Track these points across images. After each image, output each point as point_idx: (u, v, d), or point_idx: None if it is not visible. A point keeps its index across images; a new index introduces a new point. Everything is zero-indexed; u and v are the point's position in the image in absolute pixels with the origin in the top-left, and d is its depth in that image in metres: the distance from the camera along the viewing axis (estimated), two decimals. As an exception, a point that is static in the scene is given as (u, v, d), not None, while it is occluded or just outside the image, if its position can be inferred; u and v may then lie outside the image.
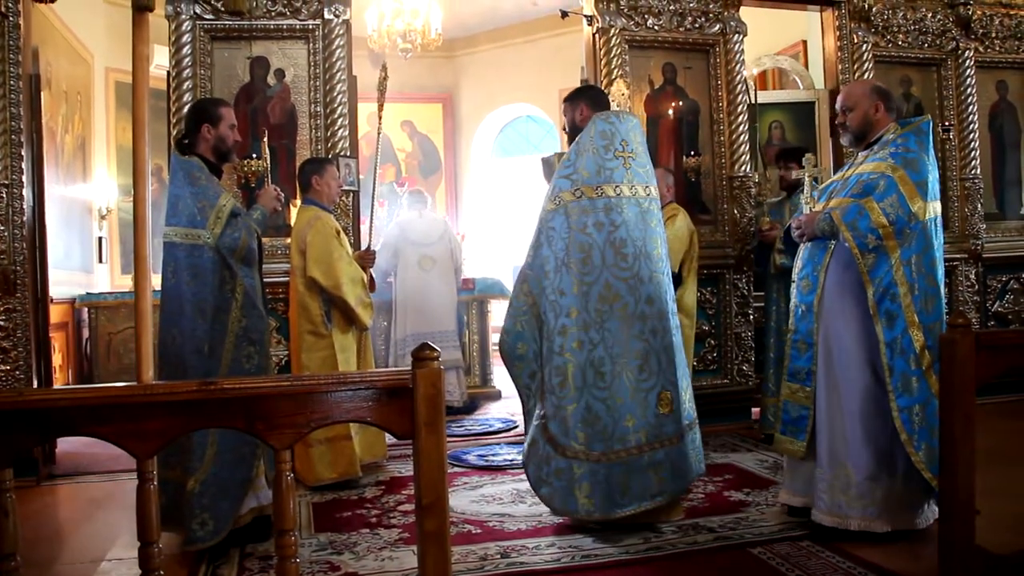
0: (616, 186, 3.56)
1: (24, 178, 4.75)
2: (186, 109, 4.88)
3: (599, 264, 3.49)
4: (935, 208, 3.34)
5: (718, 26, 5.87)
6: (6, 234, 4.67)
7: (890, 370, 3.23)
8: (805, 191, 3.71)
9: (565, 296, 3.50)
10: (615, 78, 5.57)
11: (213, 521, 3.36)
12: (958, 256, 6.38)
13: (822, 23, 6.40)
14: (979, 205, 6.49)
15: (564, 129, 3.98)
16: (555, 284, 3.52)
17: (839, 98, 3.61)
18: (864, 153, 3.51)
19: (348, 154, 5.18)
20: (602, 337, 3.46)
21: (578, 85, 6.07)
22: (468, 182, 11.96)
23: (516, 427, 5.98)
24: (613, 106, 5.35)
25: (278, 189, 3.96)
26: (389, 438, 4.86)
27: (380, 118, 4.77)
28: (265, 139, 4.37)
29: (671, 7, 5.79)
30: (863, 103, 3.49)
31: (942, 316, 3.31)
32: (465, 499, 4.15)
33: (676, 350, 3.60)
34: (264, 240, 4.38)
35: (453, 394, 6.68)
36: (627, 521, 3.50)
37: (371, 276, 4.74)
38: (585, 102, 3.81)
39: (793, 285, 3.62)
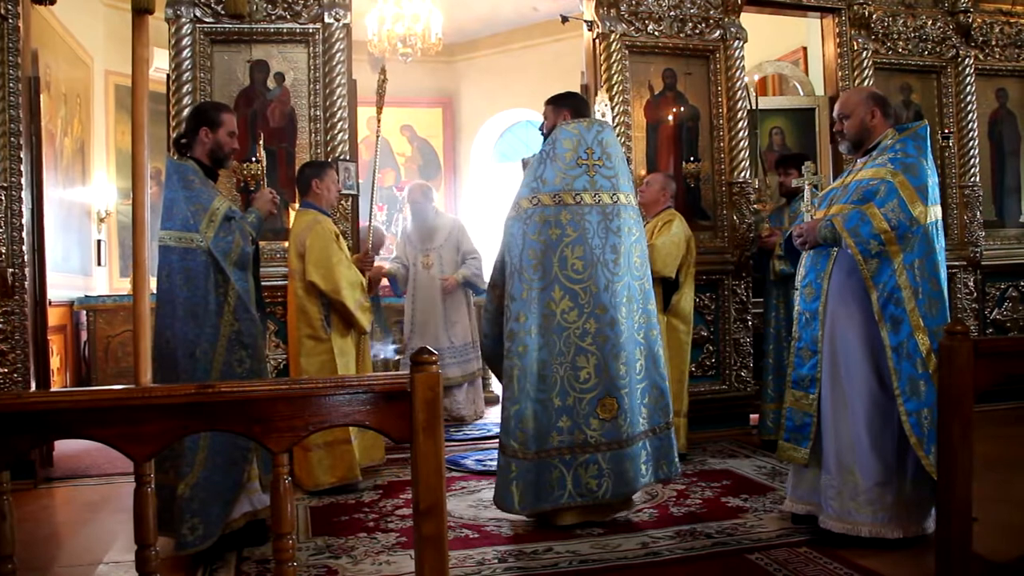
0: (576, 194, 3.65)
1: (23, 180, 4.75)
2: (186, 112, 4.90)
3: (551, 271, 3.60)
4: (936, 212, 3.36)
5: (718, 32, 5.87)
6: (5, 236, 4.67)
7: (897, 374, 3.23)
8: (805, 198, 3.72)
9: (515, 302, 3.63)
10: (614, 83, 5.58)
11: (203, 526, 3.34)
12: (957, 263, 6.37)
13: (822, 30, 6.40)
14: (978, 213, 6.49)
15: (541, 131, 4.05)
16: (508, 290, 3.67)
17: (836, 106, 3.64)
18: (863, 160, 3.53)
19: (347, 158, 5.18)
20: (546, 342, 3.59)
21: (577, 91, 6.09)
22: (468, 187, 11.96)
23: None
24: (596, 113, 5.40)
25: (274, 192, 3.96)
26: (388, 442, 4.85)
27: (379, 121, 4.77)
28: (261, 142, 4.38)
29: (672, 13, 5.80)
30: (859, 110, 3.51)
31: (947, 319, 3.31)
32: (463, 503, 4.15)
33: (632, 359, 3.65)
34: (263, 244, 4.39)
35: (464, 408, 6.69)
36: (560, 518, 3.66)
37: (370, 280, 4.74)
38: (569, 110, 3.89)
39: (796, 292, 3.63)
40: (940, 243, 3.40)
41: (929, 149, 3.44)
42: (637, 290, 3.75)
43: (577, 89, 6.09)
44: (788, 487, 3.67)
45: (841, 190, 3.52)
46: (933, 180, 3.37)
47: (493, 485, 4.45)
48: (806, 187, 3.78)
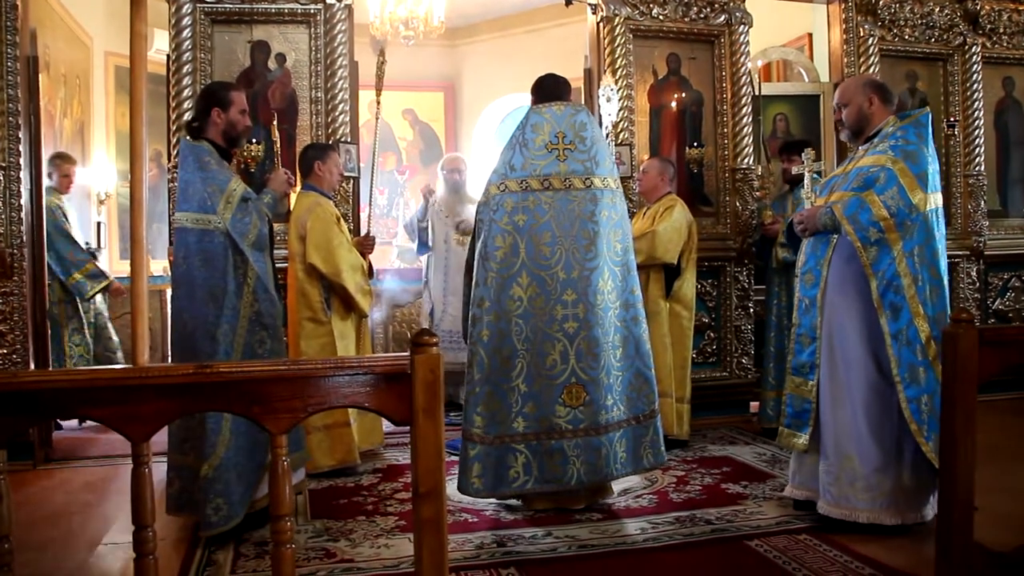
0: (544, 179, 3.62)
1: (22, 161, 4.72)
2: (186, 94, 4.87)
3: (518, 256, 3.57)
4: (936, 199, 3.35)
5: (723, 17, 5.82)
6: (3, 217, 4.64)
7: (897, 361, 3.23)
8: (805, 186, 3.73)
9: (479, 287, 3.62)
10: (618, 68, 5.54)
11: (227, 506, 3.34)
12: (960, 253, 6.35)
13: (828, 16, 6.33)
14: (982, 202, 6.45)
15: None
16: (475, 275, 3.67)
17: (835, 95, 3.64)
18: (864, 147, 3.53)
19: (349, 140, 5.15)
20: (511, 327, 3.54)
21: (580, 75, 6.06)
22: (469, 171, 11.90)
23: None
24: (602, 99, 5.36)
25: (288, 173, 3.95)
26: (387, 425, 4.85)
27: (378, 103, 4.74)
28: (274, 124, 4.36)
29: (677, -3, 5.75)
30: (857, 98, 3.52)
31: (946, 306, 3.34)
32: (462, 488, 4.14)
33: (606, 346, 3.60)
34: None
35: None
36: (530, 503, 3.68)
37: (370, 263, 4.72)
38: (533, 97, 3.87)
39: (796, 279, 3.63)
40: (941, 231, 3.40)
41: (931, 136, 3.43)
42: (617, 276, 3.68)
43: (580, 74, 6.06)
44: (789, 473, 3.68)
45: (842, 177, 3.51)
46: (934, 167, 3.36)
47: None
48: (806, 174, 3.78)
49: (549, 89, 3.85)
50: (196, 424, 3.35)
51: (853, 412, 3.32)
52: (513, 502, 3.77)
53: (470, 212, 6.22)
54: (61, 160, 6.02)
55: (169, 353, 3.55)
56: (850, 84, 3.62)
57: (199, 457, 3.37)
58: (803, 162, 3.91)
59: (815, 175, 3.80)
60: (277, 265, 4.80)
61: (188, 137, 3.62)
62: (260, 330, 3.51)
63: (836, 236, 3.40)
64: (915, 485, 3.32)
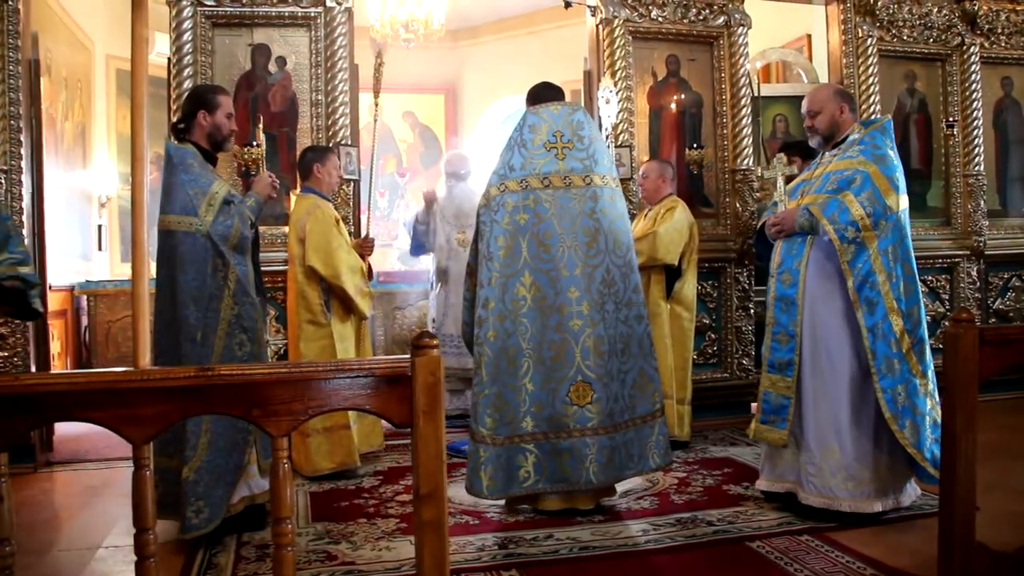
0: (544, 177, 3.62)
1: (23, 164, 4.73)
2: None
3: (520, 255, 3.57)
4: (904, 201, 3.52)
5: (722, 18, 5.83)
6: (5, 220, 4.65)
7: (873, 353, 3.39)
8: (779, 189, 3.81)
9: (483, 288, 3.61)
10: (618, 70, 5.54)
11: (208, 509, 3.35)
12: (960, 253, 6.35)
13: (827, 17, 6.34)
14: (982, 202, 6.45)
15: None
16: (479, 276, 3.66)
17: (805, 103, 3.78)
18: (831, 152, 3.68)
19: (349, 143, 5.15)
20: (516, 327, 3.54)
21: (580, 77, 6.06)
22: (472, 170, 11.90)
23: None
24: (601, 101, 5.36)
25: (273, 176, 3.94)
26: (387, 427, 4.85)
27: (376, 105, 4.75)
28: (260, 125, 4.35)
29: (675, -2, 5.76)
30: (829, 106, 3.65)
31: (919, 301, 3.51)
32: (463, 490, 4.13)
33: (611, 343, 3.59)
34: (264, 228, 4.37)
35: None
36: (542, 503, 3.66)
37: (369, 265, 4.72)
38: (527, 102, 3.88)
39: (772, 279, 3.72)
40: (908, 230, 3.56)
41: (894, 141, 3.62)
42: (618, 273, 3.65)
43: (580, 76, 6.07)
44: (763, 466, 3.79)
45: (813, 181, 3.66)
46: (900, 171, 3.52)
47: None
48: (779, 178, 3.85)
49: (543, 97, 3.85)
50: (178, 426, 3.36)
51: (835, 404, 3.45)
52: (523, 506, 3.76)
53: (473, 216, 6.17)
54: None
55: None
56: (821, 93, 3.74)
57: (182, 460, 3.37)
58: (803, 161, 3.96)
59: (786, 180, 3.89)
60: (277, 268, 4.84)
61: (173, 139, 3.63)
62: (240, 333, 3.51)
63: (812, 237, 3.53)
64: (893, 473, 3.48)
